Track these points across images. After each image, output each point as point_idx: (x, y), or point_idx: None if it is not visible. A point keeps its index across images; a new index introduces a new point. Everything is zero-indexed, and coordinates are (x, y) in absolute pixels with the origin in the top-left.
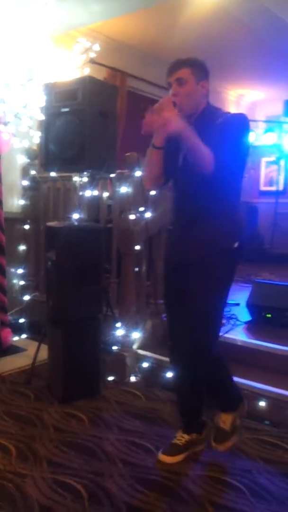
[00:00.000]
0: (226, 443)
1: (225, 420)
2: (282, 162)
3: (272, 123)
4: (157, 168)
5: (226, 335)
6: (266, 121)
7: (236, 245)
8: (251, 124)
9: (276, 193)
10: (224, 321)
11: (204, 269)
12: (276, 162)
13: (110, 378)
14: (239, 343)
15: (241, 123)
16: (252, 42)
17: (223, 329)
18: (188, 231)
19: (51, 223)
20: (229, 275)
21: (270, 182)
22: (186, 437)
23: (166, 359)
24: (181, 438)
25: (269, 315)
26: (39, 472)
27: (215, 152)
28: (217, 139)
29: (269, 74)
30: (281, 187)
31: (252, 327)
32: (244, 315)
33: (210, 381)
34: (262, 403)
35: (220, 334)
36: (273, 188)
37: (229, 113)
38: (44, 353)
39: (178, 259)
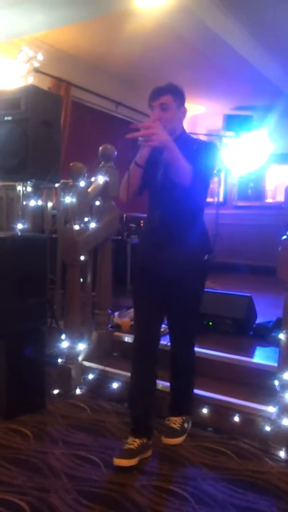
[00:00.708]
0: (176, 439)
1: (176, 421)
2: (222, 175)
3: (212, 137)
4: (136, 184)
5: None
6: (207, 135)
7: (206, 257)
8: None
9: (217, 205)
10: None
11: (186, 280)
12: (217, 174)
13: (55, 391)
14: None
15: (213, 149)
16: (192, 57)
17: (167, 337)
18: (167, 244)
19: None
20: (203, 284)
21: (211, 194)
22: (138, 441)
23: (112, 370)
24: (133, 442)
25: (211, 323)
26: None
27: (194, 171)
28: (195, 161)
29: (209, 89)
30: (221, 199)
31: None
32: None
33: (184, 386)
34: (204, 410)
35: (163, 342)
36: (214, 200)
37: (201, 140)
38: None
39: (160, 271)
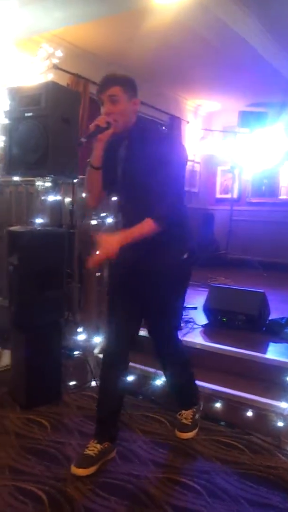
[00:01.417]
0: (189, 433)
1: (187, 416)
2: (236, 171)
3: (228, 133)
4: (98, 187)
5: (184, 338)
6: (222, 131)
7: (185, 256)
8: (207, 133)
9: (231, 201)
10: (182, 324)
11: (161, 278)
12: (231, 170)
13: (72, 383)
14: (197, 346)
15: (174, 154)
16: (209, 53)
17: (181, 332)
18: (135, 246)
19: (13, 228)
20: (183, 282)
21: (225, 190)
22: (99, 446)
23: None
24: (93, 448)
25: (225, 319)
26: (1, 479)
27: (155, 175)
28: (155, 165)
29: (225, 85)
30: (235, 195)
31: (209, 330)
32: (201, 318)
33: (178, 380)
34: (217, 404)
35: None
36: (228, 196)
37: (158, 128)
38: (6, 359)
39: (134, 268)
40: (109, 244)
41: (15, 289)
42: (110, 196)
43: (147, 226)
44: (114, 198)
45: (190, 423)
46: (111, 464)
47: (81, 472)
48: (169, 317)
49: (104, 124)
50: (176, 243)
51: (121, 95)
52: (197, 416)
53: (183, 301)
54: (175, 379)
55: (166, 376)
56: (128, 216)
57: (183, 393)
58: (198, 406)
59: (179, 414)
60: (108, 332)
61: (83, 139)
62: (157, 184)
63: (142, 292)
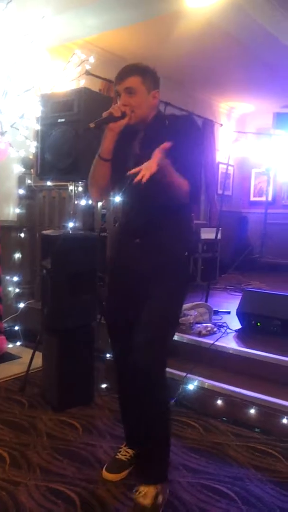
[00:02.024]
0: None
1: (146, 494)
2: (271, 173)
3: (262, 135)
4: (105, 180)
5: (216, 343)
6: (256, 133)
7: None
8: (241, 135)
9: (266, 204)
10: (215, 328)
11: (157, 280)
12: (266, 173)
13: (104, 386)
14: (230, 351)
15: (193, 127)
16: (242, 55)
17: (214, 336)
18: (136, 243)
19: (46, 232)
20: (183, 281)
21: (259, 193)
22: (131, 452)
23: None
24: (125, 453)
25: (259, 324)
26: (33, 480)
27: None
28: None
29: (259, 87)
30: (270, 198)
31: (242, 335)
32: (234, 323)
33: (143, 423)
34: (252, 411)
35: (211, 341)
36: (262, 199)
37: (175, 114)
38: (38, 361)
39: (128, 273)
40: (149, 164)
41: (48, 292)
42: (115, 191)
43: (185, 182)
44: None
45: (149, 505)
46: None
47: (112, 477)
48: (162, 329)
49: (118, 113)
50: (179, 238)
51: (139, 87)
52: (160, 499)
53: (179, 309)
54: (143, 433)
55: (132, 422)
56: (131, 216)
57: (152, 460)
58: (165, 484)
59: (136, 491)
60: (110, 341)
61: (91, 124)
62: (183, 168)
63: (137, 296)
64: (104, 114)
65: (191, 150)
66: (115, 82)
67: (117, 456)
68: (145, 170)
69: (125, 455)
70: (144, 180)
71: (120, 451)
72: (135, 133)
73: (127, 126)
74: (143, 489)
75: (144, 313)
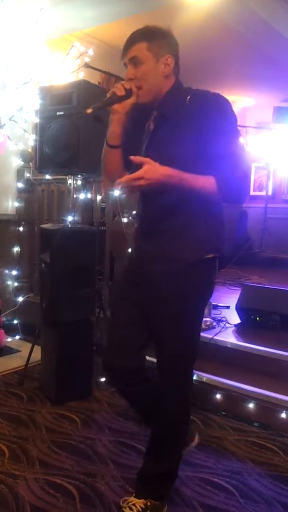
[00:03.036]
0: None
1: (135, 506)
2: (271, 168)
3: (262, 129)
4: (116, 168)
5: (215, 337)
6: (256, 127)
7: (210, 255)
8: (241, 129)
9: (266, 198)
10: (214, 323)
11: (172, 283)
12: (266, 167)
13: (102, 380)
14: (229, 346)
15: (227, 110)
16: (243, 49)
17: (213, 331)
18: (152, 236)
19: (45, 225)
20: (201, 288)
21: (259, 187)
22: None
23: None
24: None
25: (258, 318)
26: (31, 473)
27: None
28: (198, 130)
29: (259, 81)
30: (270, 192)
31: (242, 330)
32: (234, 317)
33: (158, 445)
34: (251, 405)
35: (210, 336)
36: (262, 193)
37: (201, 90)
38: (37, 355)
39: (139, 270)
40: (154, 168)
41: (47, 286)
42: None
43: (208, 181)
44: None
45: None
46: (141, 461)
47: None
48: (180, 340)
49: (122, 91)
50: (204, 236)
51: (144, 54)
52: None
53: (200, 321)
54: (156, 451)
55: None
56: (148, 206)
57: (155, 476)
58: (161, 505)
59: (124, 501)
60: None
61: (88, 110)
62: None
63: (149, 303)
64: (108, 94)
65: (216, 140)
66: (121, 54)
67: None
68: (146, 174)
69: None
70: (136, 188)
71: None
72: (149, 111)
73: (137, 104)
74: (133, 500)
75: (160, 352)
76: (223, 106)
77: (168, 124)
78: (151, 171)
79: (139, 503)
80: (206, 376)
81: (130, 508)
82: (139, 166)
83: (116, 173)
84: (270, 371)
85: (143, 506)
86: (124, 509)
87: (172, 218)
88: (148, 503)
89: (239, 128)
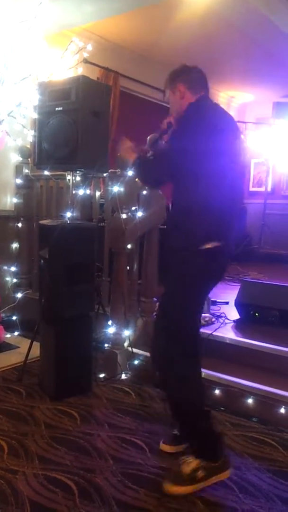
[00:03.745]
0: (176, 488)
1: (189, 464)
2: (270, 164)
3: (261, 125)
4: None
5: (215, 333)
6: (255, 123)
7: (208, 245)
8: (240, 125)
9: (265, 194)
10: (213, 319)
11: (175, 267)
12: (265, 163)
13: (101, 375)
14: (227, 341)
15: (188, 116)
16: (243, 44)
17: (212, 327)
18: (168, 231)
19: (44, 222)
20: (189, 276)
21: (259, 183)
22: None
23: None
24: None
25: (257, 314)
26: (31, 468)
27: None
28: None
29: (259, 76)
30: (269, 188)
31: (241, 326)
32: (233, 313)
33: (175, 406)
34: (250, 401)
35: (209, 331)
36: (262, 189)
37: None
38: (36, 351)
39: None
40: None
41: (46, 283)
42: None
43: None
44: (144, 192)
45: (186, 475)
46: (140, 457)
47: (168, 448)
48: (166, 312)
49: (165, 126)
50: (194, 227)
51: (170, 96)
52: (200, 473)
53: (189, 305)
54: (173, 403)
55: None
56: (172, 206)
57: (188, 434)
58: (211, 465)
59: (181, 461)
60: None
61: (149, 153)
62: None
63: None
64: (162, 126)
65: (176, 137)
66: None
67: (174, 432)
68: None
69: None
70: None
71: (176, 427)
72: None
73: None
74: (188, 458)
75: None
76: (187, 118)
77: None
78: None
79: (194, 462)
80: (205, 372)
81: (185, 465)
82: None
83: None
84: (269, 366)
85: (196, 465)
86: (180, 466)
87: (176, 219)
88: (202, 463)
89: (239, 122)
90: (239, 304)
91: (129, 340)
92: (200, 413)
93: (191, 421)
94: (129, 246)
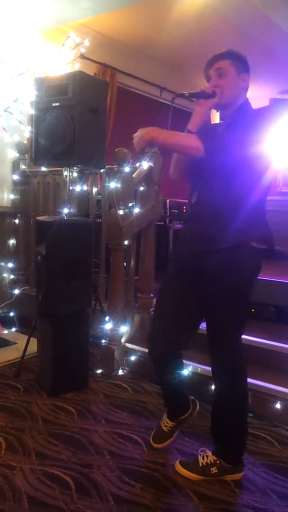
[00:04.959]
0: (187, 472)
1: (208, 457)
2: None
3: None
4: (187, 159)
5: None
6: None
7: (257, 245)
8: None
9: None
10: None
11: (216, 265)
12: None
13: (99, 371)
14: None
15: (260, 113)
16: (239, 40)
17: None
18: (197, 222)
19: (41, 218)
20: (246, 277)
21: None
22: (171, 423)
23: None
24: (166, 424)
25: (253, 310)
26: (28, 464)
27: (224, 142)
28: (231, 129)
29: (256, 73)
30: None
31: None
32: None
33: (220, 401)
34: None
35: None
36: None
37: (257, 108)
38: (33, 346)
39: (187, 251)
40: (144, 130)
41: (43, 279)
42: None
43: (191, 138)
44: (141, 188)
45: (200, 466)
46: (137, 452)
47: (157, 446)
48: (226, 313)
49: (209, 90)
50: (246, 224)
51: (228, 68)
52: (215, 470)
53: (248, 300)
54: (218, 398)
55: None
56: (197, 203)
57: (221, 427)
58: (228, 466)
59: (201, 453)
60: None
61: (186, 93)
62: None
63: (201, 281)
64: (197, 90)
65: (240, 131)
66: (205, 68)
67: (160, 428)
68: (136, 138)
69: (167, 426)
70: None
71: (163, 422)
72: (222, 117)
73: (217, 105)
74: (207, 453)
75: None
76: (254, 114)
77: (233, 132)
78: (142, 131)
79: (211, 457)
80: (201, 367)
81: (203, 457)
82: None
83: (185, 163)
84: (265, 362)
85: (212, 461)
86: (198, 456)
87: (212, 211)
88: (218, 461)
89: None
90: None
91: (126, 336)
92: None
93: (241, 426)
94: (126, 242)
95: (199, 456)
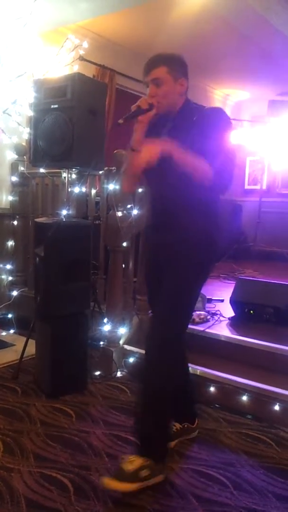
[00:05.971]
0: (120, 484)
1: (132, 463)
2: (265, 162)
3: (257, 123)
4: (137, 170)
5: (209, 330)
6: (251, 121)
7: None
8: (236, 123)
9: (260, 192)
10: (208, 316)
11: (171, 266)
12: (260, 161)
13: (97, 373)
14: (223, 339)
15: (218, 117)
16: (238, 42)
17: (207, 324)
18: (159, 227)
19: (39, 219)
20: (194, 275)
21: (254, 181)
22: (178, 425)
23: None
24: (173, 426)
25: (252, 311)
26: (26, 466)
27: (193, 148)
28: (194, 135)
29: (254, 75)
30: (264, 186)
31: (236, 323)
32: (228, 311)
33: (144, 389)
34: (244, 398)
35: (204, 329)
36: (257, 187)
37: (204, 107)
38: (32, 348)
39: (153, 256)
40: (150, 146)
41: (41, 280)
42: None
43: (202, 163)
44: (140, 190)
45: (129, 472)
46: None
47: None
48: (166, 303)
49: (145, 105)
50: (200, 227)
51: (165, 77)
52: (145, 472)
53: (190, 299)
54: (143, 386)
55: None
56: (156, 209)
57: (143, 430)
58: (155, 465)
59: (123, 457)
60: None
61: (120, 121)
62: (205, 149)
63: (159, 279)
64: (133, 108)
65: (212, 137)
66: (143, 73)
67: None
68: (145, 153)
69: (173, 428)
70: (145, 164)
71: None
72: (164, 122)
73: (157, 116)
74: (132, 457)
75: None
76: (213, 115)
77: (180, 136)
78: (150, 146)
79: (139, 460)
80: (200, 369)
81: (129, 463)
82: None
83: (138, 176)
84: (264, 363)
85: (141, 464)
86: (123, 465)
87: (169, 212)
88: (147, 463)
89: (233, 122)
90: (234, 302)
91: (125, 338)
92: (169, 406)
93: (159, 412)
94: (124, 244)
95: (124, 464)
